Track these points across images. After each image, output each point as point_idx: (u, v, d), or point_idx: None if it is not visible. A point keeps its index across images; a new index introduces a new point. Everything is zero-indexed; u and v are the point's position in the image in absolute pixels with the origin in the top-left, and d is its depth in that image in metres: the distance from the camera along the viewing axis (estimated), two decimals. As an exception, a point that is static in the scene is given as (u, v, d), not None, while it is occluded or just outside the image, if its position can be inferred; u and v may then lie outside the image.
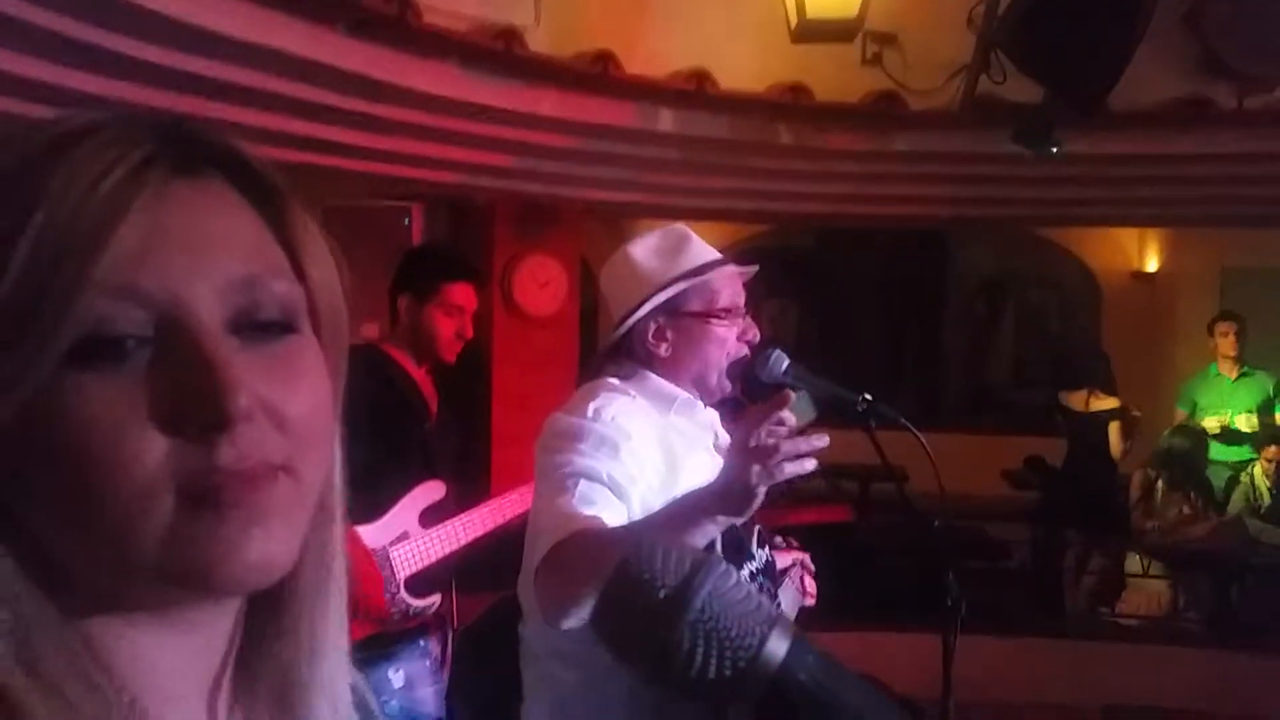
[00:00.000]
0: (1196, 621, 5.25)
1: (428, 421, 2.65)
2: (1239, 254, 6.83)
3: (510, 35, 3.07)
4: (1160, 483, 5.53)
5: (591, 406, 1.60)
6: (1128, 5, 3.23)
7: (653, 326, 1.70)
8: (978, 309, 8.00)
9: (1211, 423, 5.62)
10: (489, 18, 3.10)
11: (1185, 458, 5.53)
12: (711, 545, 1.50)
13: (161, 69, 2.63)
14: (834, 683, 0.70)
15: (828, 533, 4.29)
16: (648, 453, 1.60)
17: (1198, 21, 3.57)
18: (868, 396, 1.86)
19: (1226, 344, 5.59)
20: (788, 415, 1.39)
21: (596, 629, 0.80)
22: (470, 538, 2.58)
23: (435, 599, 2.57)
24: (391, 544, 2.49)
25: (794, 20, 3.08)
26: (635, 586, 0.81)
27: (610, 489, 1.51)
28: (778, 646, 0.81)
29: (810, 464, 1.37)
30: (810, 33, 3.10)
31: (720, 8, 3.53)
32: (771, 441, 1.35)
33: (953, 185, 4.21)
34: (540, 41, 3.20)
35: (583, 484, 1.50)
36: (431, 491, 2.57)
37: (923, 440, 1.81)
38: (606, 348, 1.77)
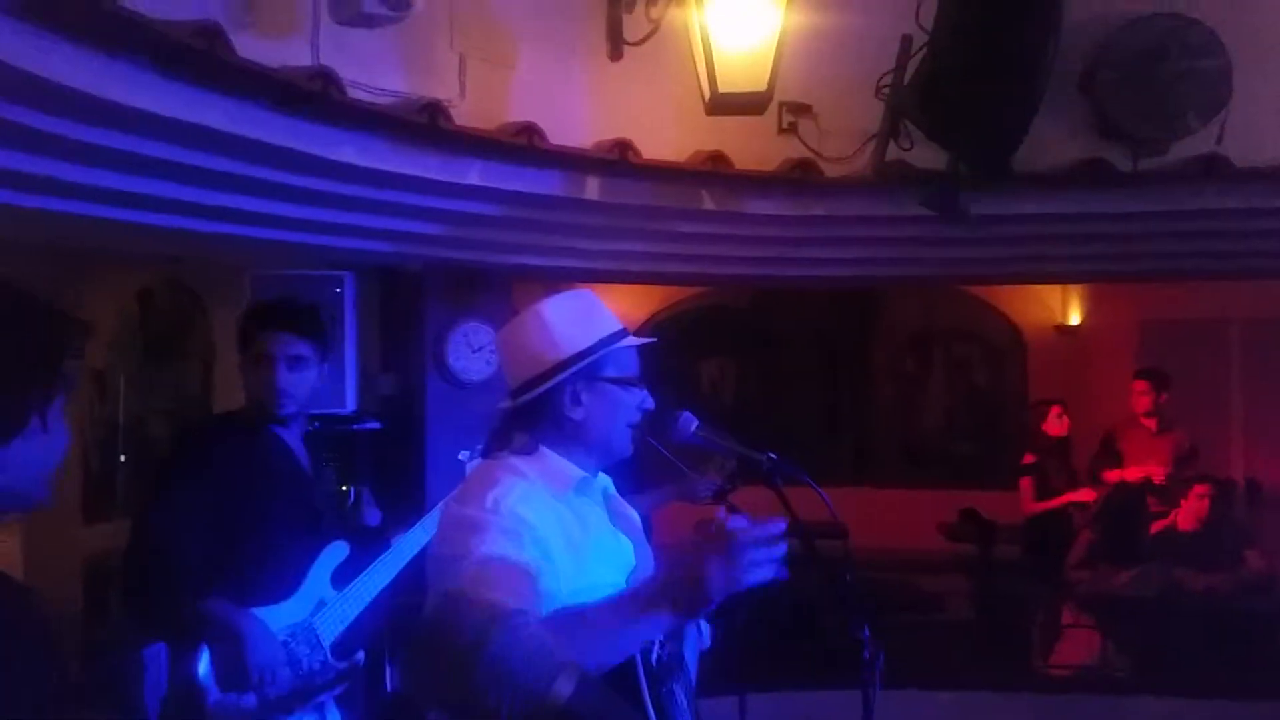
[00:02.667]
0: (1125, 669, 5.36)
1: (303, 483, 2.64)
2: (1157, 307, 7.09)
3: (435, 109, 3.15)
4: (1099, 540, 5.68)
5: (490, 497, 1.59)
6: (1025, 74, 3.41)
7: (569, 390, 1.72)
8: (907, 364, 8.19)
9: (1135, 473, 5.78)
10: (414, 92, 3.18)
11: (1128, 514, 5.68)
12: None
13: (91, 147, 2.67)
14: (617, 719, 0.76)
15: (764, 591, 4.34)
16: (551, 540, 1.59)
17: (1091, 87, 3.78)
18: (772, 455, 1.92)
19: (1143, 402, 5.78)
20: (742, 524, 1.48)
21: (409, 681, 0.87)
22: (379, 588, 2.63)
23: (359, 655, 2.61)
24: (314, 614, 2.50)
25: (707, 94, 3.21)
26: (438, 640, 0.87)
27: (519, 570, 1.50)
28: (564, 688, 0.89)
29: (770, 572, 1.47)
30: (723, 106, 3.23)
31: (640, 82, 3.66)
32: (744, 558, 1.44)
33: (870, 247, 4.35)
34: (465, 115, 3.28)
35: (493, 567, 1.49)
36: (336, 553, 2.60)
37: (825, 497, 1.86)
38: (511, 411, 1.76)
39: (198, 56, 2.48)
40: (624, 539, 1.78)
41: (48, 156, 2.74)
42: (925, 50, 3.36)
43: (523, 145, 3.37)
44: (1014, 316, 7.93)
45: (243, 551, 2.48)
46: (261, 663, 2.32)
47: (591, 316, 1.78)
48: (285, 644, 2.44)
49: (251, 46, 2.65)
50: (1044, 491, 5.79)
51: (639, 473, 2.09)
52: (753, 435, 1.95)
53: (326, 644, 2.51)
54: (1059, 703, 4.89)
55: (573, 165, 3.56)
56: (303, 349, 2.61)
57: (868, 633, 1.99)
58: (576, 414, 1.72)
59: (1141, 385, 5.81)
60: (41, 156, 2.73)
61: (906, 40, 3.38)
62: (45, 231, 3.67)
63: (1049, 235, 4.23)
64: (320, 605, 2.53)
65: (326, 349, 2.71)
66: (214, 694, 2.33)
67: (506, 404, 1.78)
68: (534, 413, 1.74)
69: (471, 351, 4.46)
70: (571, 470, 1.73)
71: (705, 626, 2.06)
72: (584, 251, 4.29)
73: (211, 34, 2.49)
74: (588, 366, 1.72)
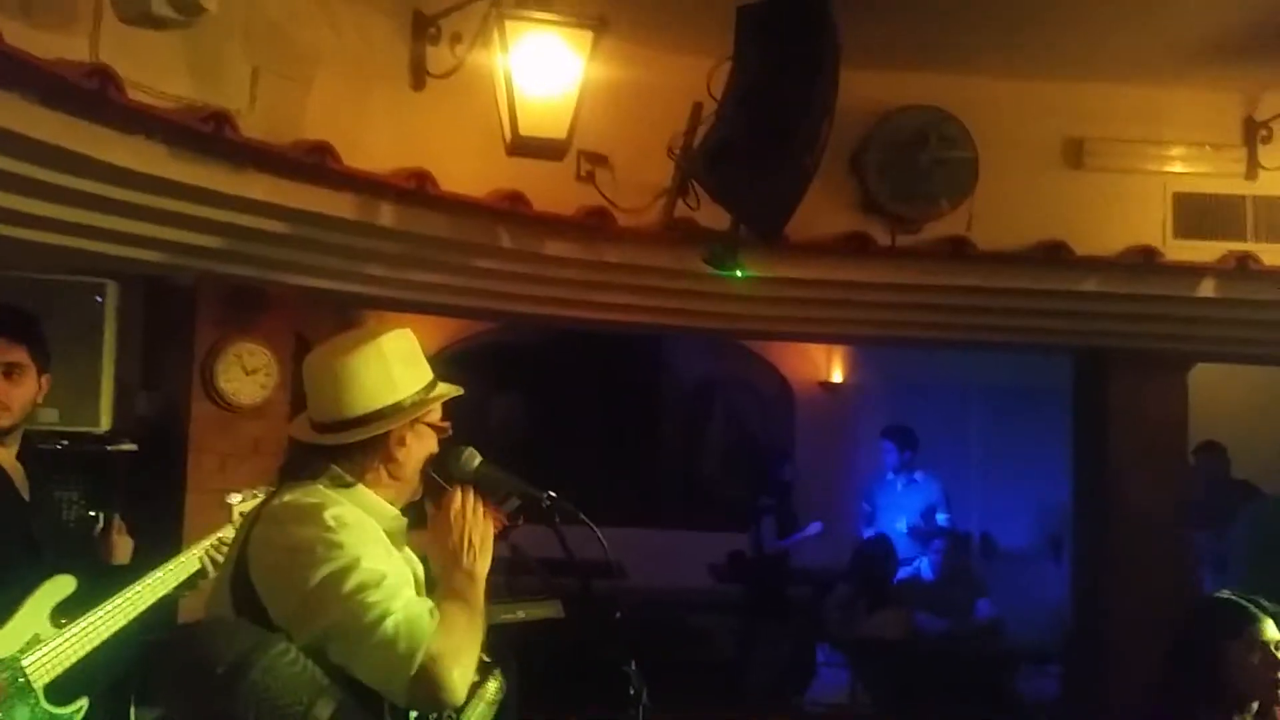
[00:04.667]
0: (871, 705, 5.75)
1: (16, 509, 2.44)
2: (913, 369, 7.72)
3: (221, 118, 3.05)
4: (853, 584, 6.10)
5: (327, 515, 1.60)
6: (800, 150, 3.69)
7: (397, 431, 1.74)
8: (689, 410, 8.53)
9: (889, 526, 6.28)
10: (200, 99, 3.06)
11: (878, 564, 6.14)
12: None
13: None
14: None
15: (541, 629, 4.35)
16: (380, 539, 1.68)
17: (858, 168, 4.15)
18: (552, 494, 1.97)
19: (889, 458, 6.33)
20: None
21: (166, 704, 0.88)
22: (116, 629, 2.39)
23: (81, 704, 2.38)
24: (22, 650, 2.28)
25: (508, 135, 3.28)
26: (198, 664, 0.89)
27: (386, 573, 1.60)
28: (323, 711, 0.94)
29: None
30: (523, 148, 3.31)
31: (442, 114, 3.68)
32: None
33: (657, 296, 4.53)
34: (254, 127, 3.19)
35: (365, 573, 1.56)
36: (60, 587, 2.37)
37: (601, 536, 1.92)
38: (335, 445, 1.73)
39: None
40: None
41: None
42: (714, 118, 3.57)
43: (314, 164, 3.31)
44: (784, 371, 8.42)
45: None
46: None
47: (420, 358, 1.82)
48: None
49: (24, 35, 2.49)
50: (780, 532, 6.23)
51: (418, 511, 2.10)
52: (539, 474, 1.99)
53: (39, 686, 2.28)
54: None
55: (368, 190, 3.52)
56: (20, 356, 2.46)
57: (634, 668, 2.07)
58: (400, 454, 1.75)
59: (887, 444, 6.35)
60: None
61: (698, 107, 3.58)
62: None
63: (815, 299, 4.56)
64: (33, 644, 2.29)
65: (46, 358, 2.54)
66: None
67: (314, 436, 1.75)
68: (358, 449, 1.73)
69: (245, 374, 4.26)
70: (386, 509, 1.75)
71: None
72: (377, 279, 4.22)
73: (-24, 17, 2.33)
74: (414, 408, 1.75)
